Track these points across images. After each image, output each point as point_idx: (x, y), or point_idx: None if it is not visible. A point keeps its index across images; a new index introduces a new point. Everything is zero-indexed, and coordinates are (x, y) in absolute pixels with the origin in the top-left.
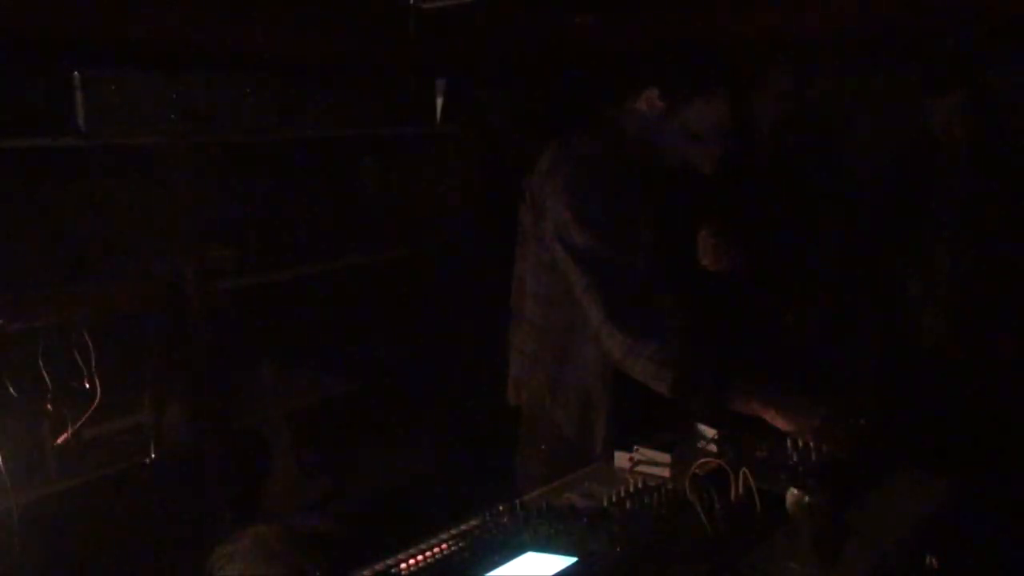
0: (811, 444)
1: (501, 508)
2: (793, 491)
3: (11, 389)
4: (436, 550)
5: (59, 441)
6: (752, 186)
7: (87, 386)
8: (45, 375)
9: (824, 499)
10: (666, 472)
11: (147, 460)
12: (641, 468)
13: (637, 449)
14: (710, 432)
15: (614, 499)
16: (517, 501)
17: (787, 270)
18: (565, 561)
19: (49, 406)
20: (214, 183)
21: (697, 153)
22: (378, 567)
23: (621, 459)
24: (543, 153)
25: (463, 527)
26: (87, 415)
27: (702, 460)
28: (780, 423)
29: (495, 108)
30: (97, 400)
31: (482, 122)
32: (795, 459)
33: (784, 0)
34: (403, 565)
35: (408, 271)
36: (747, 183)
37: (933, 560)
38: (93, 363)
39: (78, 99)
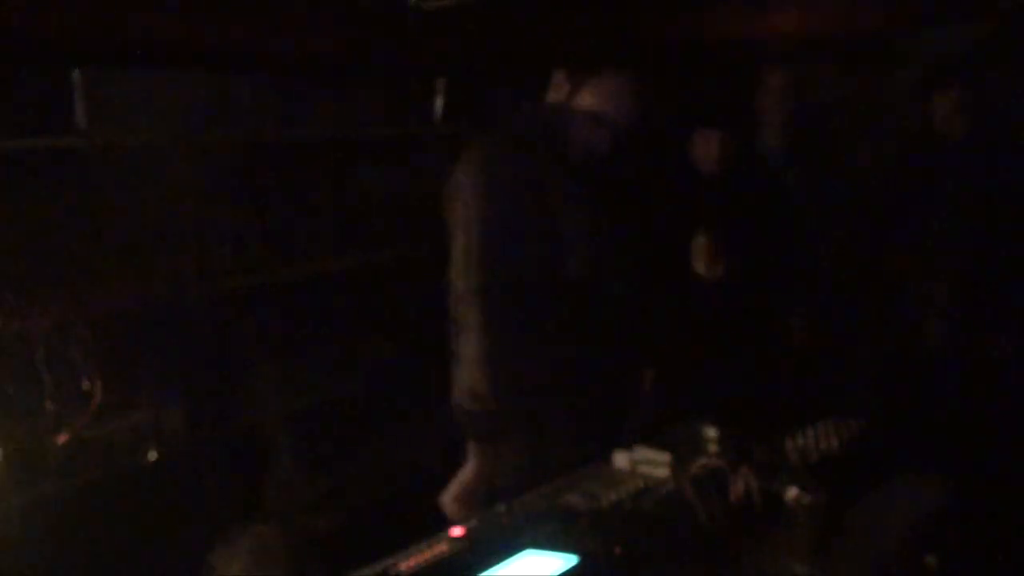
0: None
1: (501, 508)
2: (793, 491)
3: (11, 389)
4: (436, 550)
5: (59, 441)
6: (748, 191)
7: (87, 386)
8: (45, 375)
9: (824, 499)
10: (666, 472)
11: (147, 460)
12: (641, 468)
13: (637, 449)
14: (710, 432)
15: (614, 499)
16: (517, 501)
17: (782, 276)
18: (565, 561)
19: (49, 406)
20: (214, 183)
21: (600, 137)
22: (378, 567)
23: (621, 459)
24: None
25: (463, 527)
26: (87, 415)
27: (702, 460)
28: None
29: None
30: (97, 400)
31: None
32: (795, 459)
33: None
34: (403, 565)
35: (408, 271)
36: (742, 187)
37: (933, 560)
38: (93, 363)
39: (78, 99)
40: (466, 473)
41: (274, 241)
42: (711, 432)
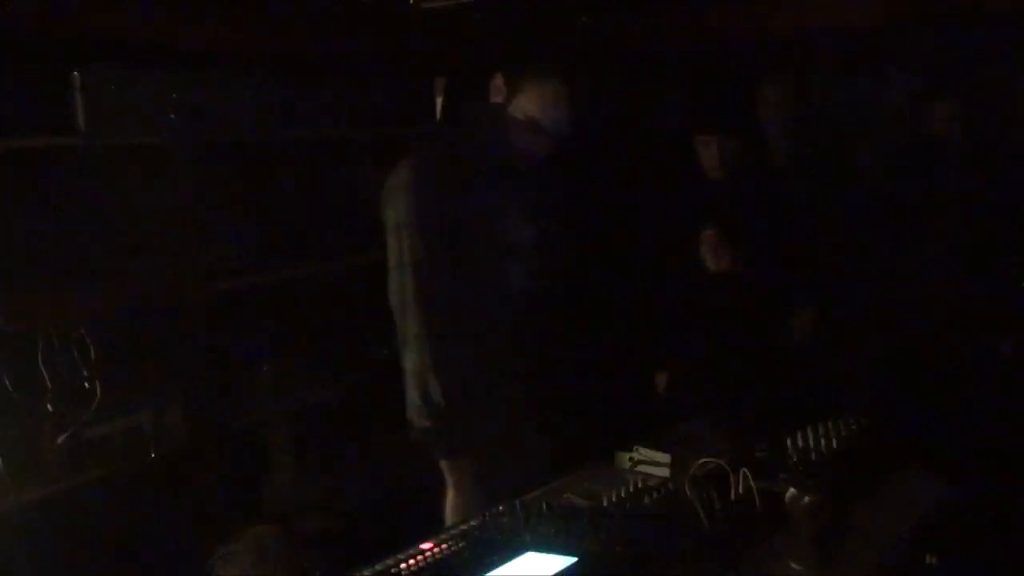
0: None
1: (501, 508)
2: (793, 491)
3: (11, 389)
4: (436, 550)
5: (59, 441)
6: (755, 187)
7: (87, 386)
8: (45, 375)
9: (824, 499)
10: (666, 472)
11: (147, 460)
12: (641, 468)
13: (637, 449)
14: (710, 432)
15: (614, 499)
16: (517, 501)
17: (786, 273)
18: (565, 561)
19: (49, 406)
20: (214, 183)
21: (535, 142)
22: (378, 567)
23: (621, 459)
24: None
25: (463, 527)
26: (87, 415)
27: (702, 460)
28: None
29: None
30: (97, 400)
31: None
32: (795, 459)
33: (786, 1)
34: (403, 565)
35: None
36: (750, 184)
37: (933, 559)
38: (93, 363)
39: (78, 99)
40: (449, 498)
41: (274, 241)
42: (711, 432)
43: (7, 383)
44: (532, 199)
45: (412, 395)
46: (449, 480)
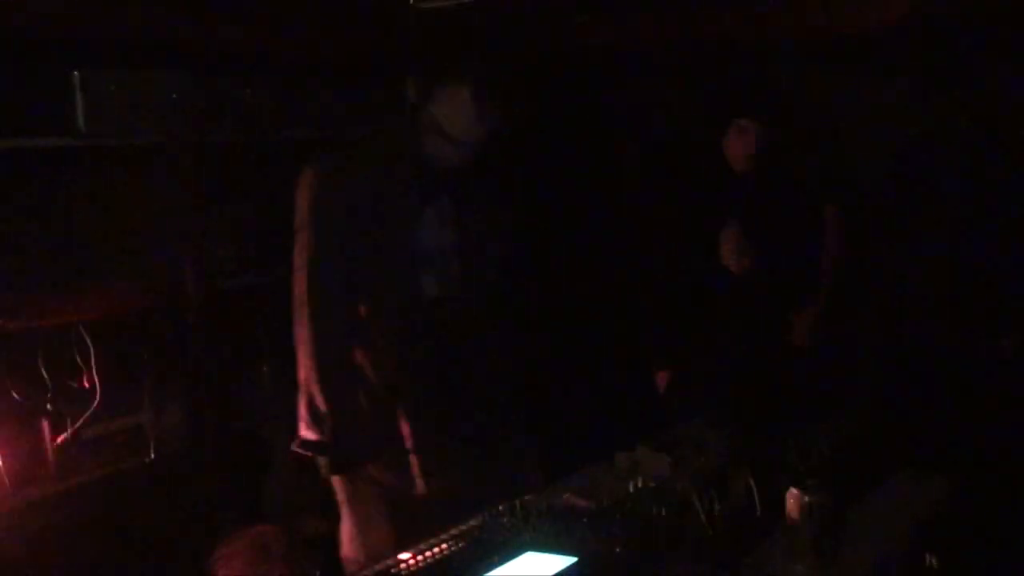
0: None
1: (501, 508)
2: (793, 491)
3: (11, 389)
4: (436, 550)
5: (59, 441)
6: (772, 188)
7: (87, 386)
8: (45, 375)
9: (824, 499)
10: (666, 472)
11: (147, 460)
12: (641, 468)
13: (637, 449)
14: (710, 432)
15: (614, 499)
16: (517, 501)
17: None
18: (565, 561)
19: (49, 406)
20: (214, 183)
21: (452, 153)
22: (378, 567)
23: (621, 459)
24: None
25: (463, 527)
26: (87, 415)
27: (702, 460)
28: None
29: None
30: (97, 400)
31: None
32: (795, 459)
33: (787, 0)
34: (403, 565)
35: None
36: (767, 185)
37: (933, 560)
38: (93, 363)
39: (78, 99)
40: (344, 523)
41: (275, 240)
42: (711, 432)
43: (7, 383)
44: (453, 204)
45: (300, 405)
46: (340, 498)
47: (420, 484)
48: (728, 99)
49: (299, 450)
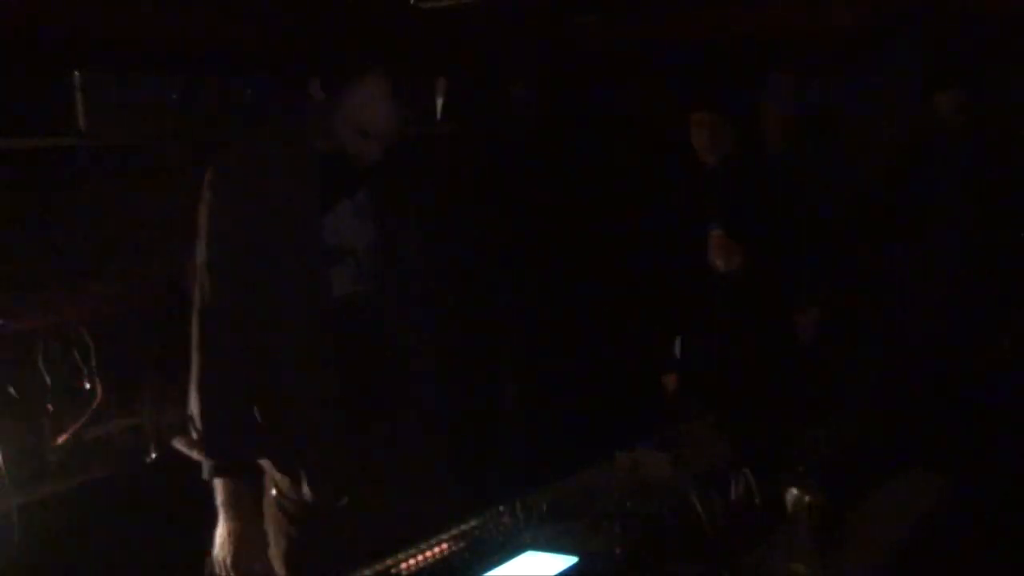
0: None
1: (501, 508)
2: (793, 491)
3: (11, 389)
4: (436, 550)
5: (59, 441)
6: (761, 186)
7: (87, 386)
8: (45, 375)
9: (824, 499)
10: (666, 472)
11: (147, 460)
12: (641, 468)
13: (637, 449)
14: (710, 432)
15: (614, 499)
16: (517, 501)
17: (791, 272)
18: (565, 561)
19: (49, 406)
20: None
21: (364, 148)
22: (378, 567)
23: (621, 459)
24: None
25: (463, 527)
26: (87, 415)
27: (702, 460)
28: None
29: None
30: (97, 400)
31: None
32: (795, 459)
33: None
34: (403, 565)
35: None
36: (756, 183)
37: (933, 560)
38: (93, 363)
39: (78, 99)
40: (221, 530)
41: None
42: (711, 432)
43: (7, 383)
44: (371, 200)
45: (191, 409)
46: (219, 500)
47: (308, 493)
48: (689, 92)
49: (179, 447)
